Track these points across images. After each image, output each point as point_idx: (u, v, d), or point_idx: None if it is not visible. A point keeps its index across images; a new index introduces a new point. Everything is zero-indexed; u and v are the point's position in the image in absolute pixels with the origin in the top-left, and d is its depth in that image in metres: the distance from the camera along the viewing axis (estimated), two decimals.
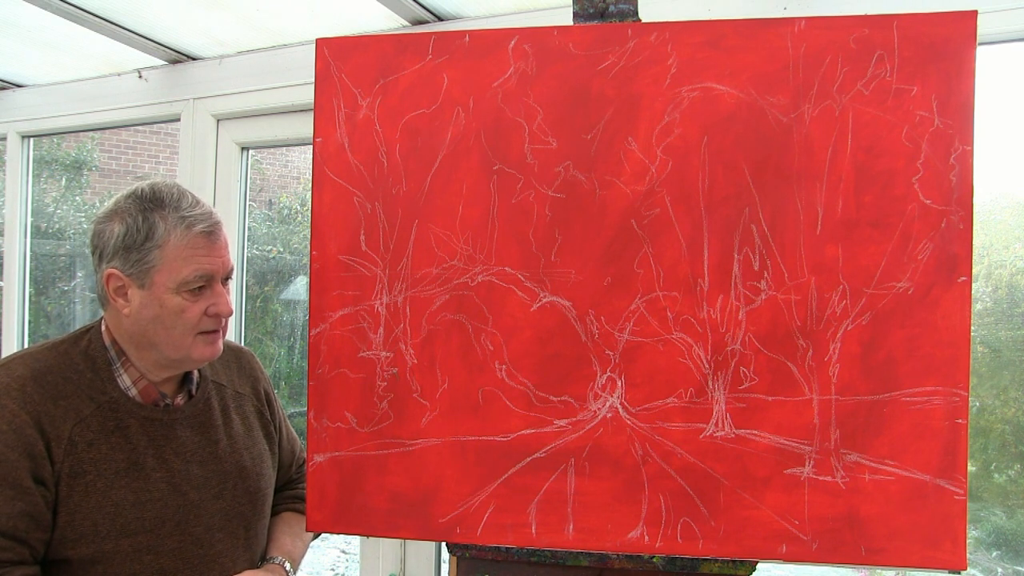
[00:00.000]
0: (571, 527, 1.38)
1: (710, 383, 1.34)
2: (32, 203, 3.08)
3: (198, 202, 1.34)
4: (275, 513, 1.60)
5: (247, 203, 2.66)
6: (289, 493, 1.65)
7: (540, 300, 1.39)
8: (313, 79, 1.47)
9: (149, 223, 1.29)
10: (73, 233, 6.52)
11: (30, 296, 3.10)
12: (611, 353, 1.37)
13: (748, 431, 1.33)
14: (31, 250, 3.08)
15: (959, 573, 1.29)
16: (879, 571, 2.43)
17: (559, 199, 1.39)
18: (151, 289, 1.30)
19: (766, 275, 1.33)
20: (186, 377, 1.43)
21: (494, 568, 1.45)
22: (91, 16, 2.29)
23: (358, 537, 2.77)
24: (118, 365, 1.35)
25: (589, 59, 1.38)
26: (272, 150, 6.13)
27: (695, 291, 1.35)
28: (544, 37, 1.39)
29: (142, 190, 1.33)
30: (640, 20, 1.42)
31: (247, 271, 2.78)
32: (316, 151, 1.46)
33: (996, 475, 2.76)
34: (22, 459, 1.23)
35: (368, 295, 1.44)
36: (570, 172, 1.38)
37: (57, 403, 1.28)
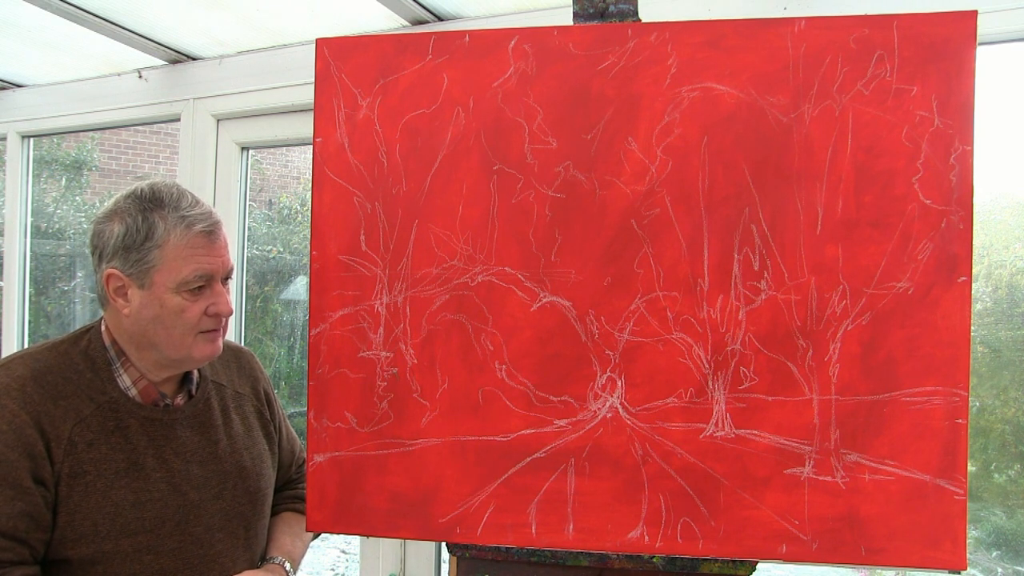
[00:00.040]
0: (571, 527, 1.38)
1: (710, 383, 1.34)
2: (32, 203, 3.08)
3: (198, 202, 1.34)
4: (275, 513, 1.60)
5: (247, 203, 2.66)
6: (289, 493, 1.65)
7: (540, 300, 1.39)
8: (313, 79, 1.47)
9: (149, 223, 1.29)
10: (73, 233, 6.52)
11: (30, 296, 3.10)
12: (611, 353, 1.37)
13: (748, 431, 1.33)
14: (31, 250, 3.08)
15: (959, 573, 1.29)
16: (879, 571, 2.43)
17: (559, 199, 1.39)
18: (151, 289, 1.30)
19: (766, 275, 1.33)
20: (186, 377, 1.43)
21: (494, 568, 1.45)
22: (91, 16, 2.29)
23: (358, 537, 2.77)
24: (118, 365, 1.35)
25: (589, 59, 1.38)
26: (272, 150, 6.13)
27: (695, 291, 1.35)
28: (544, 37, 1.39)
29: (142, 190, 1.33)
30: (640, 20, 1.42)
31: (247, 271, 2.78)
32: (316, 151, 1.46)
33: (996, 475, 2.76)
34: (22, 459, 1.22)
35: (368, 295, 1.44)
36: (570, 172, 1.38)
37: (57, 403, 1.28)
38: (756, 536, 1.33)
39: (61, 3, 2.22)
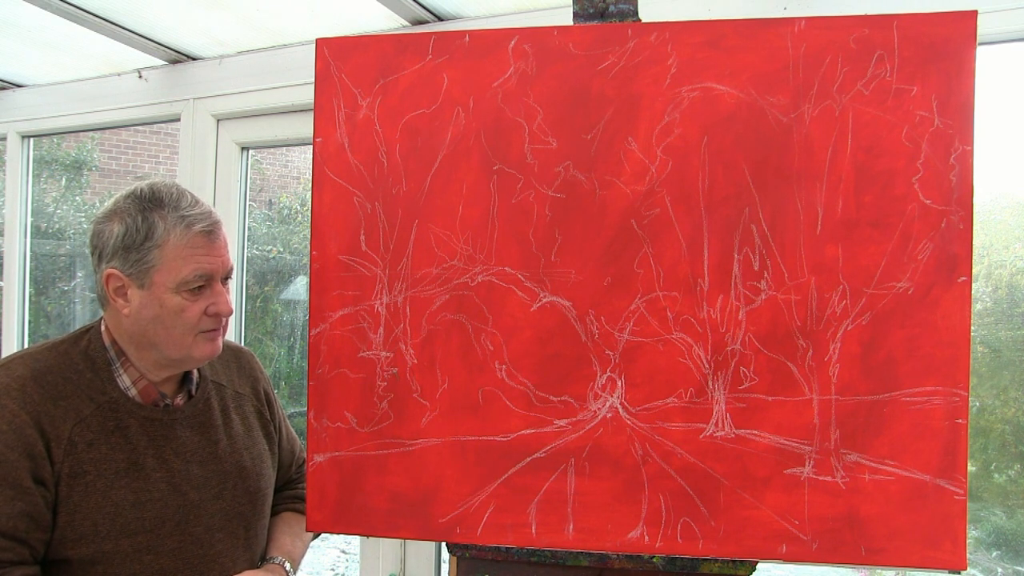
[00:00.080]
0: (571, 527, 1.38)
1: (710, 383, 1.34)
2: (32, 203, 3.08)
3: (197, 201, 1.34)
4: (275, 513, 1.60)
5: (247, 203, 2.66)
6: (289, 493, 1.65)
7: (540, 300, 1.39)
8: (313, 79, 1.47)
9: (148, 223, 1.29)
10: (73, 233, 6.52)
11: (30, 296, 3.10)
12: (611, 353, 1.37)
13: (748, 431, 1.33)
14: (31, 250, 3.08)
15: (959, 573, 1.29)
16: (879, 571, 2.43)
17: (559, 199, 1.39)
18: (151, 289, 1.30)
19: (766, 275, 1.33)
20: (186, 377, 1.43)
21: (494, 568, 1.45)
22: (91, 16, 2.29)
23: (358, 537, 2.77)
24: (118, 365, 1.35)
25: (589, 59, 1.38)
26: (272, 150, 6.14)
27: (695, 291, 1.35)
28: (544, 37, 1.39)
29: (141, 190, 1.33)
30: (640, 20, 1.42)
31: (247, 271, 2.78)
32: (316, 151, 1.46)
33: (996, 475, 2.76)
34: (22, 459, 1.22)
35: (368, 295, 1.44)
36: (570, 172, 1.38)
37: (57, 403, 1.28)
38: (756, 536, 1.33)
39: (61, 3, 2.22)
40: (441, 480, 1.42)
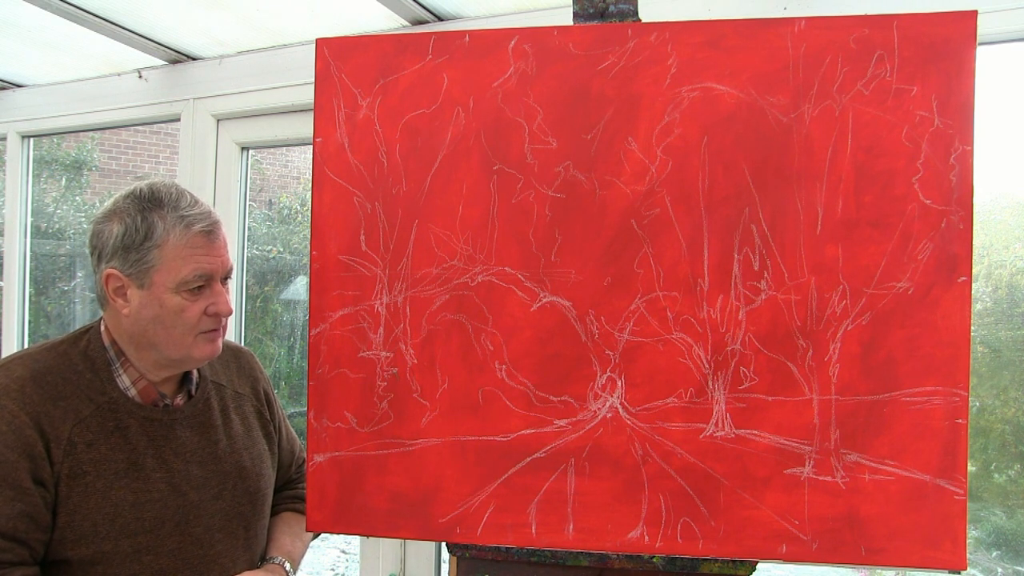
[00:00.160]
0: (571, 527, 1.38)
1: (710, 383, 1.34)
2: (32, 203, 3.08)
3: (197, 201, 1.34)
4: (275, 513, 1.60)
5: (247, 203, 2.66)
6: (289, 493, 1.65)
7: (540, 300, 1.39)
8: (313, 79, 1.47)
9: (148, 223, 1.29)
10: (73, 233, 6.52)
11: (30, 296, 3.10)
12: (611, 353, 1.37)
13: (748, 431, 1.33)
14: (31, 250, 3.08)
15: (959, 573, 1.29)
16: (879, 571, 2.42)
17: (559, 199, 1.39)
18: (150, 289, 1.30)
19: (766, 275, 1.33)
20: (185, 377, 1.43)
21: (494, 568, 1.45)
22: (91, 16, 2.29)
23: (358, 537, 2.77)
24: (117, 365, 1.35)
25: (589, 59, 1.38)
26: (272, 150, 6.14)
27: (695, 291, 1.34)
28: (544, 37, 1.39)
29: (141, 190, 1.33)
30: (640, 20, 1.42)
31: (247, 271, 2.78)
32: (316, 151, 1.46)
33: (996, 475, 2.76)
34: (22, 460, 1.22)
35: (368, 295, 1.44)
36: (570, 172, 1.38)
37: (56, 404, 1.28)
38: (756, 536, 1.33)
39: (61, 3, 2.22)
40: (441, 480, 1.42)
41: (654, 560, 1.38)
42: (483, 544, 1.42)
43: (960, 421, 1.28)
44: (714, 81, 1.34)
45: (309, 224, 1.48)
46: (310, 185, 1.47)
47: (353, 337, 1.44)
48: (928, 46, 1.29)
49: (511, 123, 1.40)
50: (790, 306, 1.32)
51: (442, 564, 2.25)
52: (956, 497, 1.28)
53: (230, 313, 1.38)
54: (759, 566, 1.38)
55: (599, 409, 1.37)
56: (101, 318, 1.39)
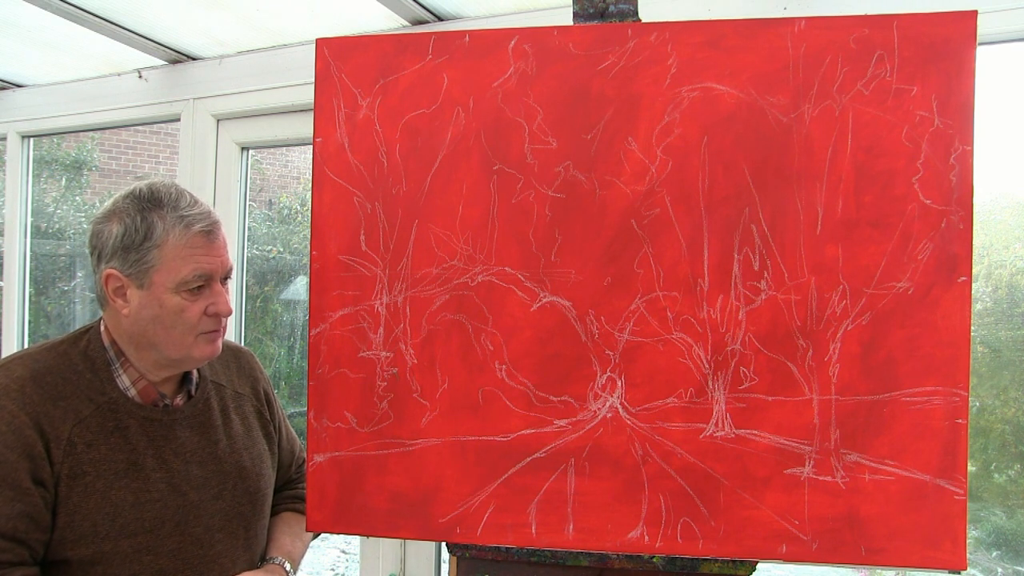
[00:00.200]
0: (571, 527, 1.38)
1: (710, 383, 1.34)
2: (32, 203, 3.08)
3: (196, 201, 1.34)
4: (275, 513, 1.60)
5: (247, 203, 2.66)
6: (289, 493, 1.65)
7: (540, 300, 1.39)
8: (313, 79, 1.47)
9: (147, 223, 1.29)
10: (73, 233, 6.52)
11: (30, 296, 3.10)
12: (611, 353, 1.37)
13: (748, 431, 1.33)
14: (31, 250, 3.08)
15: (959, 573, 1.29)
16: (879, 571, 2.42)
17: (559, 199, 1.39)
18: (150, 289, 1.30)
19: (766, 275, 1.33)
20: (185, 377, 1.43)
21: (494, 568, 1.45)
22: (91, 16, 2.29)
23: (358, 537, 2.77)
24: (117, 365, 1.35)
25: (589, 59, 1.38)
26: (272, 150, 6.14)
27: (695, 291, 1.34)
28: (544, 37, 1.39)
29: (140, 190, 1.33)
30: (640, 20, 1.42)
31: (247, 271, 2.78)
32: (316, 151, 1.46)
33: (996, 475, 2.76)
34: (21, 460, 1.22)
35: (368, 295, 1.44)
36: (570, 172, 1.38)
37: (56, 404, 1.28)
38: (756, 536, 1.33)
39: (61, 3, 2.22)
40: (441, 480, 1.42)
41: (654, 560, 1.38)
42: (483, 544, 1.42)
43: (960, 421, 1.28)
44: (714, 81, 1.34)
45: (309, 224, 1.48)
46: (310, 185, 1.47)
47: (353, 337, 1.44)
48: (928, 46, 1.29)
49: (511, 123, 1.40)
50: (790, 306, 1.32)
51: (442, 564, 2.25)
52: (956, 497, 1.28)
53: (230, 313, 1.38)
54: (759, 566, 1.38)
55: (599, 409, 1.37)
56: (101, 318, 1.39)
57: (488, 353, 1.41)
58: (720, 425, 1.34)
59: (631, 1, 1.43)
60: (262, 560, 1.51)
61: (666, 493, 1.35)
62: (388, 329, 1.44)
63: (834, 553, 1.31)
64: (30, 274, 3.06)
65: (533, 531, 1.39)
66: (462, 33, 1.43)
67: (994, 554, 2.83)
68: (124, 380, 1.35)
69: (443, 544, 2.04)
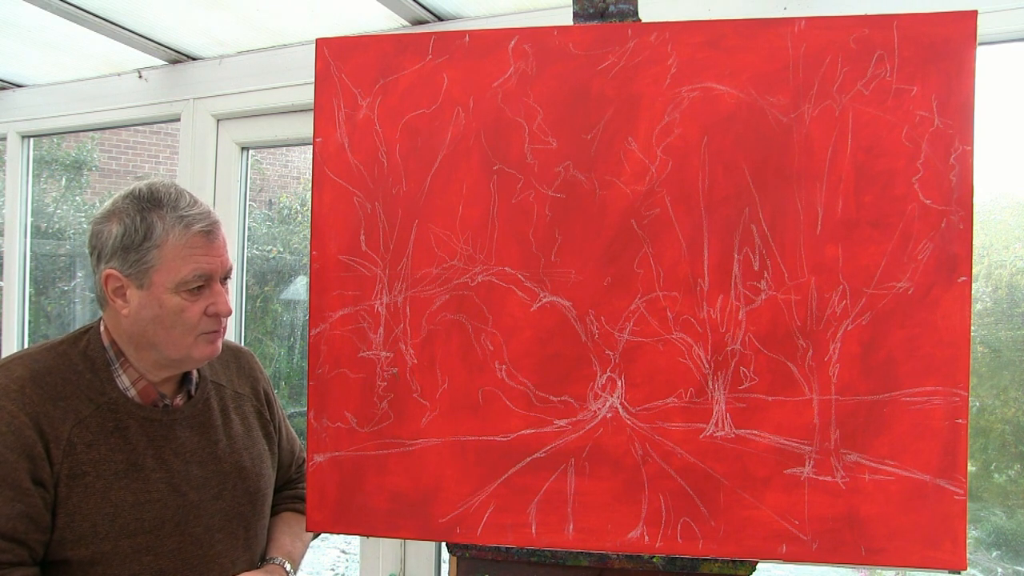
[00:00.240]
0: (571, 527, 1.38)
1: (710, 383, 1.34)
2: (32, 203, 3.08)
3: (196, 201, 1.34)
4: (275, 513, 1.60)
5: (247, 203, 2.66)
6: (289, 493, 1.65)
7: (540, 300, 1.39)
8: (313, 79, 1.47)
9: (147, 223, 1.29)
10: (73, 233, 6.52)
11: (30, 296, 3.10)
12: (611, 353, 1.37)
13: (748, 431, 1.33)
14: (31, 250, 3.08)
15: (959, 573, 1.29)
16: (879, 571, 2.42)
17: (559, 199, 1.39)
18: (150, 289, 1.30)
19: (766, 275, 1.33)
20: (185, 377, 1.43)
21: (494, 568, 1.45)
22: (91, 16, 2.29)
23: (358, 537, 2.77)
24: (117, 366, 1.35)
25: (589, 59, 1.38)
26: (272, 150, 6.14)
27: (695, 291, 1.34)
28: (544, 37, 1.39)
29: (140, 190, 1.33)
30: (640, 20, 1.42)
31: (247, 271, 2.78)
32: (316, 151, 1.46)
33: (996, 475, 2.76)
34: (21, 460, 1.22)
35: (368, 295, 1.44)
36: (570, 172, 1.38)
37: (56, 404, 1.28)
38: (756, 536, 1.33)
39: (61, 3, 2.22)
40: (441, 480, 1.42)
41: (654, 560, 1.38)
42: (483, 544, 1.42)
43: (960, 421, 1.28)
44: (714, 81, 1.34)
45: (309, 224, 1.48)
46: (310, 185, 1.47)
47: (353, 337, 1.44)
48: (928, 46, 1.29)
49: (511, 123, 1.40)
50: (790, 306, 1.32)
51: (442, 564, 2.25)
52: (956, 497, 1.28)
53: (230, 313, 1.38)
54: (759, 566, 1.38)
55: (599, 409, 1.37)
56: (101, 318, 1.39)
57: (488, 353, 1.40)
58: (720, 425, 1.34)
59: (631, 1, 1.43)
60: (262, 560, 1.51)
61: (666, 493, 1.35)
62: (388, 329, 1.44)
63: (834, 553, 1.31)
64: (30, 274, 3.07)
65: (533, 531, 1.39)
66: (462, 33, 1.43)
67: (994, 554, 2.83)
68: (124, 380, 1.35)
69: (443, 544, 2.04)
